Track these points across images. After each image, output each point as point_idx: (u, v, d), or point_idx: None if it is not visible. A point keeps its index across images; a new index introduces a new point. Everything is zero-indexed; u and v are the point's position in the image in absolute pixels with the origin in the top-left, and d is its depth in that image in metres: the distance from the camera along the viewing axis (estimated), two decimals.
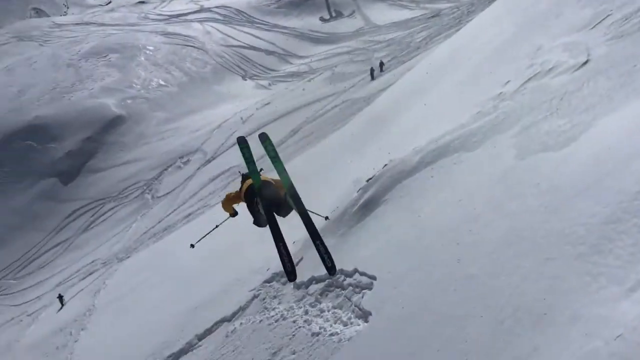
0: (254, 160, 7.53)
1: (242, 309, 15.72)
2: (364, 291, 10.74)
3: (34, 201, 69.99)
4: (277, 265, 16.27)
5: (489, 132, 12.17)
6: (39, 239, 64.02)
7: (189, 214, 44.14)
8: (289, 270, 7.49)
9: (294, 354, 10.97)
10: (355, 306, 10.75)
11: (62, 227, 64.20)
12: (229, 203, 8.36)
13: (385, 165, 14.93)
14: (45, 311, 43.55)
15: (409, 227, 11.06)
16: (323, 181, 23.30)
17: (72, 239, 60.85)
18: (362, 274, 11.20)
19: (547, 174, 8.63)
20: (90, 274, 46.96)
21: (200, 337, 16.32)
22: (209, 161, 55.33)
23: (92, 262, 51.67)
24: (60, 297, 42.10)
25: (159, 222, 49.73)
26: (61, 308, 40.80)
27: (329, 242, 15.05)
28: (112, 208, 61.77)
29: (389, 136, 21.38)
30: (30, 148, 79.99)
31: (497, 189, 9.39)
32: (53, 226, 64.99)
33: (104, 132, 75.76)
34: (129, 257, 43.66)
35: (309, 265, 14.24)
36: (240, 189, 8.17)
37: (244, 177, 8.28)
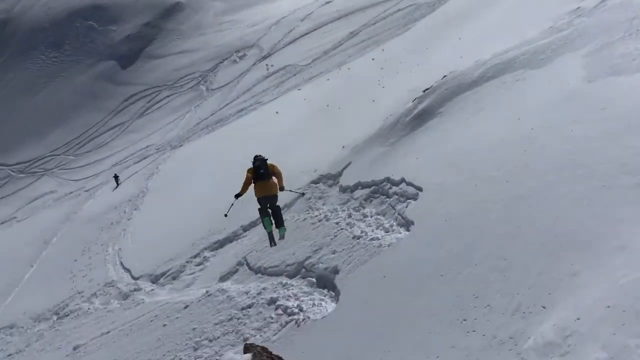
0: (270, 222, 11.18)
1: (287, 206, 16.04)
2: (408, 201, 10.62)
3: (94, 82, 71.78)
4: (324, 167, 16.68)
5: (559, 50, 11.52)
6: (97, 119, 66.33)
7: (242, 109, 44.31)
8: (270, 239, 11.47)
9: (334, 253, 11.13)
10: (398, 214, 10.68)
11: (119, 110, 66.05)
12: (247, 183, 11.41)
13: (445, 76, 14.41)
14: (101, 189, 46.02)
15: (461, 142, 10.73)
16: (380, 87, 22.95)
17: (129, 122, 62.75)
18: (409, 184, 11.07)
19: (614, 99, 8.15)
20: (145, 158, 47.77)
21: (245, 229, 16.97)
22: (265, 57, 54.64)
23: (147, 147, 53.46)
24: (116, 177, 44.36)
25: (212, 114, 50.37)
26: (116, 187, 42.02)
27: (377, 150, 14.55)
28: (168, 96, 62.85)
29: (452, 46, 20.44)
30: (91, 28, 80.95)
31: (558, 110, 8.94)
32: (111, 108, 66.92)
33: (163, 18, 75.55)
34: (181, 145, 45.13)
35: (356, 171, 14.26)
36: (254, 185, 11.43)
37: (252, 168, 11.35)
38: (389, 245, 9.83)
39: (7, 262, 34.23)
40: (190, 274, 16.74)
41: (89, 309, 19.62)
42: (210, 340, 11.32)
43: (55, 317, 20.90)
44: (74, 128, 67.50)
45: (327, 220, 13.05)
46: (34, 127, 72.20)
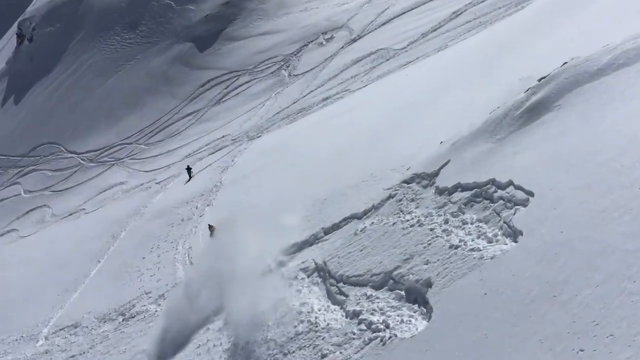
0: None
1: (375, 207, 15.95)
2: (516, 207, 10.26)
3: (169, 65, 74.05)
4: (418, 164, 16.16)
5: None
6: (171, 106, 68.76)
7: (327, 97, 44.51)
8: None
9: (427, 263, 10.89)
10: (504, 222, 10.36)
11: (194, 97, 68.05)
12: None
13: (565, 63, 13.72)
14: (173, 181, 47.10)
15: (584, 139, 10.24)
16: (486, 75, 21.79)
17: (204, 110, 64.59)
18: (518, 187, 10.71)
19: None
20: (220, 149, 48.97)
21: (327, 231, 16.91)
22: (354, 40, 54.29)
23: (222, 137, 54.74)
24: (189, 169, 45.72)
25: (294, 102, 50.28)
26: (189, 180, 43.03)
27: (481, 147, 13.93)
28: (247, 82, 63.79)
29: (572, 28, 19.49)
30: (169, 8, 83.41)
31: None
32: (186, 94, 69.05)
33: None
34: (259, 136, 45.73)
35: (455, 170, 13.85)
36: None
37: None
38: (491, 258, 9.55)
39: (74, 257, 35.61)
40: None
41: (156, 311, 20.17)
42: (285, 355, 11.47)
43: (121, 319, 21.62)
44: (146, 114, 69.99)
45: (420, 225, 12.79)
46: (106, 113, 75.33)
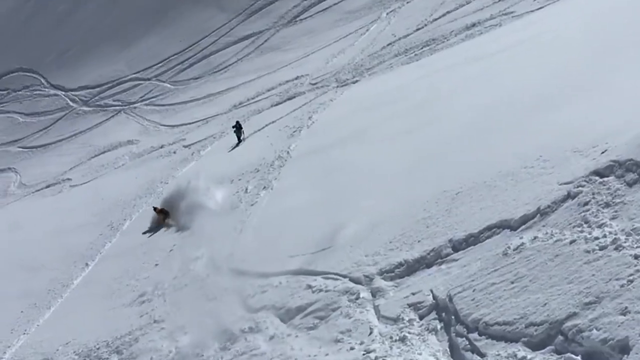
0: None
1: (541, 213, 15.55)
2: None
3: None
4: (622, 146, 15.75)
5: None
6: (217, 23, 68.38)
7: (474, 24, 45.83)
8: None
9: (623, 314, 10.66)
10: None
11: (255, 10, 67.81)
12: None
13: None
14: (211, 146, 47.73)
15: None
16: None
17: (269, 32, 63.73)
18: None
19: None
20: (290, 98, 50.33)
21: (457, 246, 16.88)
22: None
23: (296, 79, 54.37)
24: (238, 128, 44.75)
25: (417, 29, 50.34)
26: (237, 145, 44.32)
27: None
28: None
29: None
30: None
31: None
32: (242, 5, 68.04)
33: None
34: (356, 81, 45.94)
35: None
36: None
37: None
38: None
39: (50, 255, 36.45)
40: (346, 317, 17.11)
41: (170, 352, 20.45)
42: None
43: (116, 359, 21.97)
44: (175, 35, 69.05)
45: (618, 249, 12.27)
46: (112, 29, 73.74)
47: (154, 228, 35.13)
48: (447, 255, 16.82)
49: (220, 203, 33.47)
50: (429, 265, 17.03)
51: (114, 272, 30.19)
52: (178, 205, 34.38)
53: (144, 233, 34.99)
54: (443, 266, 16.57)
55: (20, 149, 62.65)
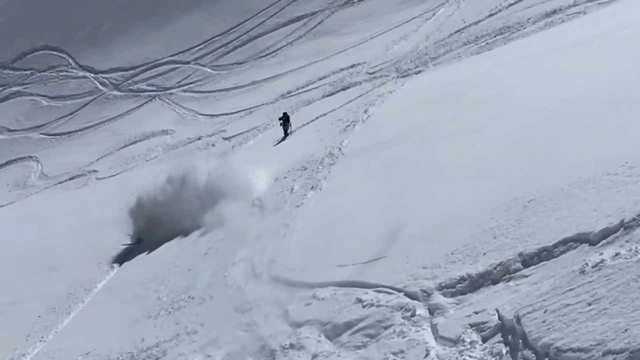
0: None
1: (624, 226, 15.18)
2: None
3: None
4: None
5: None
6: (264, 3, 69.40)
7: (555, 11, 45.76)
8: None
9: None
10: None
11: None
12: None
13: None
14: (254, 139, 48.12)
15: None
16: None
17: (322, 14, 64.15)
18: None
19: None
20: (345, 88, 50.46)
21: (527, 261, 16.47)
22: None
23: (352, 67, 54.34)
24: (285, 120, 44.94)
25: (490, 14, 50.61)
26: (284, 138, 44.79)
27: None
28: None
29: None
30: None
31: None
32: None
33: None
34: (419, 71, 46.18)
35: None
36: None
37: None
38: None
39: (73, 254, 36.94)
40: (399, 335, 16.86)
41: None
42: None
43: None
44: (219, 14, 70.10)
45: None
46: (148, 7, 76.27)
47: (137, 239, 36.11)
48: (516, 270, 16.58)
49: (262, 197, 33.60)
50: (495, 282, 16.78)
51: (141, 277, 29.76)
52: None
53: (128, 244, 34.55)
54: (511, 283, 16.29)
55: (43, 136, 62.62)
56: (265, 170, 37.18)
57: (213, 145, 49.87)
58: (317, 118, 44.78)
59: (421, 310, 17.18)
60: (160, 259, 32.16)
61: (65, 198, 48.53)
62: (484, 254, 17.40)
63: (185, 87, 60.10)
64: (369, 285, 19.85)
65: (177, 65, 61.76)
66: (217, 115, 55.30)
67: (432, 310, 16.93)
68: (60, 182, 53.35)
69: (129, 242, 35.53)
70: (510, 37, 43.34)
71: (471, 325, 15.40)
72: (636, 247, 13.88)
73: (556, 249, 16.07)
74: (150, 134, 55.13)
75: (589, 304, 13.08)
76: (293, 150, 39.67)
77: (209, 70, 60.62)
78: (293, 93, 53.57)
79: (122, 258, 35.01)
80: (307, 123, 44.75)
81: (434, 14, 52.08)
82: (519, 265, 16.53)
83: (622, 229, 14.97)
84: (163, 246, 34.43)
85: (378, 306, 18.50)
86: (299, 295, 21.85)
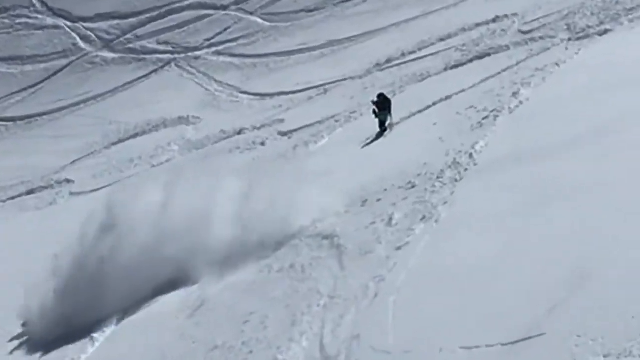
0: None
1: None
2: None
3: None
4: None
5: None
6: None
7: None
8: None
9: None
10: None
11: None
12: None
13: None
14: (332, 133, 38.67)
15: None
16: None
17: None
18: None
19: None
20: (479, 57, 41.45)
21: None
22: None
23: (494, 20, 45.67)
24: (380, 102, 36.58)
25: None
26: (380, 134, 36.36)
27: None
28: None
29: None
30: None
31: None
32: None
33: None
34: (605, 30, 38.51)
35: None
36: None
37: None
38: None
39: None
40: None
41: None
42: None
43: None
44: None
45: None
46: None
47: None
48: None
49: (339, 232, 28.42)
50: None
51: None
52: None
53: None
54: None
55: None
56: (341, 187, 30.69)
57: (262, 144, 41.10)
58: (434, 104, 37.41)
59: None
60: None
61: (18, 224, 41.24)
62: None
63: (220, 48, 53.57)
64: None
65: (207, 12, 55.41)
66: (271, 95, 47.03)
67: None
68: (12, 198, 44.98)
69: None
70: None
71: None
72: None
73: None
74: (161, 123, 47.18)
75: None
76: (394, 155, 33.07)
77: (259, 20, 55.28)
78: (394, 62, 45.18)
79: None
80: (419, 112, 37.43)
81: None
82: None
83: None
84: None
85: None
86: None
